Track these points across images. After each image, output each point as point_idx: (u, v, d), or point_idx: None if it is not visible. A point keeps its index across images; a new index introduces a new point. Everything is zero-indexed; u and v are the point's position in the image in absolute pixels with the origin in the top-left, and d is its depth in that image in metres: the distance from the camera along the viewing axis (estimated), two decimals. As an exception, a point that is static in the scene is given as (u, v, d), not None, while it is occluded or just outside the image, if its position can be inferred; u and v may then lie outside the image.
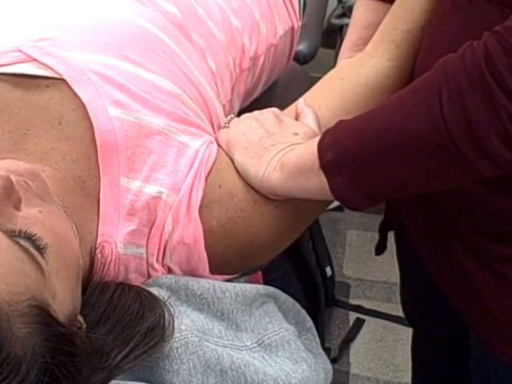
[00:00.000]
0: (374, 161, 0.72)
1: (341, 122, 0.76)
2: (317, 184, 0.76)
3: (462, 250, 0.85)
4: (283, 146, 0.81)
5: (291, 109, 0.91)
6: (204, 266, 0.80)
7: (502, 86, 0.63)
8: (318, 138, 0.77)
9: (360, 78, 0.89)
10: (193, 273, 0.80)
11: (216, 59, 0.96)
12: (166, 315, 0.72)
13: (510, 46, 0.63)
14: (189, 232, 0.78)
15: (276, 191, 0.81)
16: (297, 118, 0.89)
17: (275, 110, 0.88)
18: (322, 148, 0.75)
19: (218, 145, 0.86)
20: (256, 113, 0.88)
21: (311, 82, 0.94)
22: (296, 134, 0.83)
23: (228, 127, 0.89)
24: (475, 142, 0.65)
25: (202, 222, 0.79)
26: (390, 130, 0.70)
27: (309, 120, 0.87)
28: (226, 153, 0.85)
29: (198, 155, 0.81)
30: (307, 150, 0.77)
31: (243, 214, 0.81)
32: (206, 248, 0.80)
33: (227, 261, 0.82)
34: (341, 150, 0.74)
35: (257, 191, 0.82)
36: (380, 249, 1.08)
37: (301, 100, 0.91)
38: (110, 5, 0.91)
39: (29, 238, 0.63)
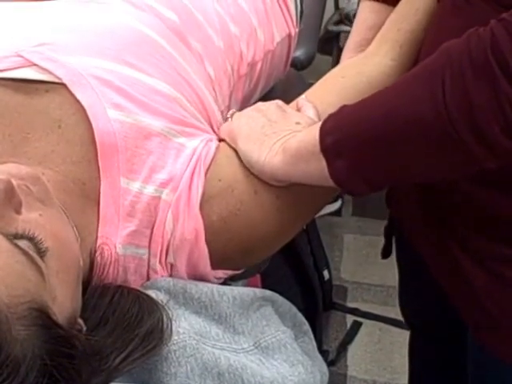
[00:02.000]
0: (374, 145, 0.71)
1: (344, 107, 0.76)
2: (317, 168, 0.75)
3: (461, 250, 0.86)
4: (285, 133, 0.81)
5: (292, 105, 0.90)
6: (205, 262, 0.80)
7: (506, 74, 0.63)
8: (320, 123, 0.76)
9: (362, 76, 0.89)
10: (194, 269, 0.80)
11: (214, 65, 0.96)
12: (165, 318, 0.72)
13: None
14: (189, 228, 0.78)
15: (277, 176, 0.80)
16: None
17: (278, 101, 0.88)
18: (323, 132, 0.75)
19: (220, 139, 0.86)
20: (258, 104, 0.88)
21: (308, 88, 0.95)
22: (298, 123, 0.83)
23: (231, 120, 0.89)
24: (475, 128, 0.65)
25: (203, 217, 0.79)
26: (392, 114, 0.70)
27: (309, 114, 0.87)
28: (228, 145, 0.85)
29: (195, 152, 0.81)
30: (309, 135, 0.77)
31: (244, 207, 0.81)
32: (207, 243, 0.79)
33: (228, 256, 0.81)
34: (342, 134, 0.73)
35: (257, 181, 0.82)
36: (386, 252, 1.08)
37: (303, 96, 0.90)
38: (109, 10, 0.91)
39: (29, 241, 0.64)
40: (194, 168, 0.80)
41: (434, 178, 0.76)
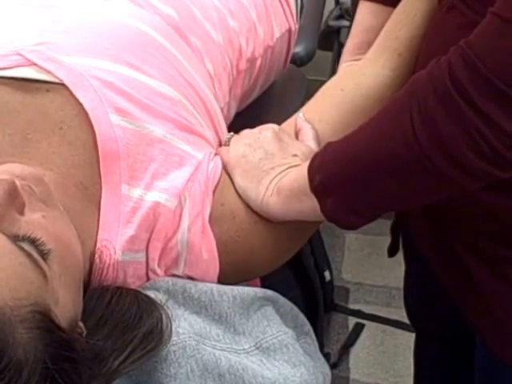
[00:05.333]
0: (356, 182, 0.73)
1: (329, 144, 0.78)
2: (310, 207, 0.77)
3: (468, 253, 0.86)
4: (281, 169, 0.82)
5: (291, 122, 0.91)
6: (214, 280, 0.81)
7: (467, 101, 0.64)
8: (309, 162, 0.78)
9: (361, 89, 0.89)
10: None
11: (213, 61, 0.96)
12: (164, 318, 0.71)
13: (471, 60, 0.64)
14: (205, 247, 0.79)
15: (275, 216, 0.82)
16: (296, 134, 0.89)
17: (275, 127, 0.88)
18: (311, 171, 0.77)
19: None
20: (256, 131, 0.88)
21: (308, 84, 0.94)
22: (295, 156, 0.84)
23: (228, 145, 0.89)
24: (449, 157, 0.66)
25: None
26: (368, 151, 0.72)
27: (308, 137, 0.87)
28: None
29: (201, 166, 0.81)
30: (300, 174, 0.78)
31: (244, 234, 0.82)
32: None
33: (226, 276, 0.82)
34: (326, 172, 0.75)
35: (259, 215, 0.83)
36: (392, 250, 1.09)
37: (300, 114, 0.90)
38: (109, 9, 0.90)
39: (32, 242, 0.63)
40: (206, 185, 0.81)
41: (424, 203, 0.78)
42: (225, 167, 0.86)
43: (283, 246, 0.86)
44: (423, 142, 0.66)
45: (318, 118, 0.89)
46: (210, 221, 0.80)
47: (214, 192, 0.82)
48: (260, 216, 0.83)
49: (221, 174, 0.84)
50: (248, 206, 0.83)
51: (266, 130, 0.87)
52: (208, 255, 0.80)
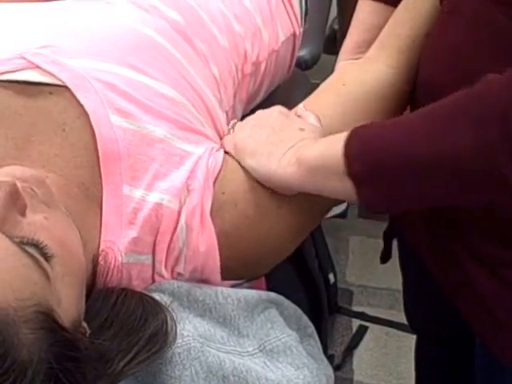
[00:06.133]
0: (405, 177, 0.70)
1: (368, 127, 0.73)
2: (341, 187, 0.74)
3: (463, 252, 0.85)
4: (293, 142, 0.80)
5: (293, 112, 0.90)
6: (217, 274, 0.80)
7: None
8: (342, 140, 0.73)
9: (363, 85, 0.89)
10: (206, 281, 0.81)
11: (219, 65, 0.96)
12: (169, 321, 0.71)
13: None
14: (204, 240, 0.78)
15: (291, 186, 0.79)
16: None
17: (280, 107, 0.87)
18: (349, 155, 0.72)
19: (225, 151, 0.85)
20: (259, 112, 0.88)
21: (313, 87, 0.94)
22: (302, 130, 0.82)
23: (232, 132, 0.88)
24: None
25: None
26: (427, 148, 0.67)
27: (310, 120, 0.86)
28: (232, 158, 0.84)
29: (201, 161, 0.81)
30: (330, 150, 0.74)
31: (248, 221, 0.81)
32: None
33: (231, 268, 0.81)
34: (372, 162, 0.71)
35: (260, 195, 0.81)
36: (385, 257, 1.08)
37: (300, 105, 0.89)
38: (113, 12, 0.91)
39: (35, 244, 0.63)
40: (206, 179, 0.80)
41: (464, 204, 0.75)
42: (231, 152, 0.84)
43: (289, 229, 0.84)
44: (500, 151, 0.62)
45: (320, 114, 0.88)
46: (211, 213, 0.79)
47: (214, 184, 0.81)
48: (264, 200, 0.81)
49: (221, 166, 0.82)
50: (251, 191, 0.81)
51: (272, 111, 0.86)
52: (206, 247, 0.78)
